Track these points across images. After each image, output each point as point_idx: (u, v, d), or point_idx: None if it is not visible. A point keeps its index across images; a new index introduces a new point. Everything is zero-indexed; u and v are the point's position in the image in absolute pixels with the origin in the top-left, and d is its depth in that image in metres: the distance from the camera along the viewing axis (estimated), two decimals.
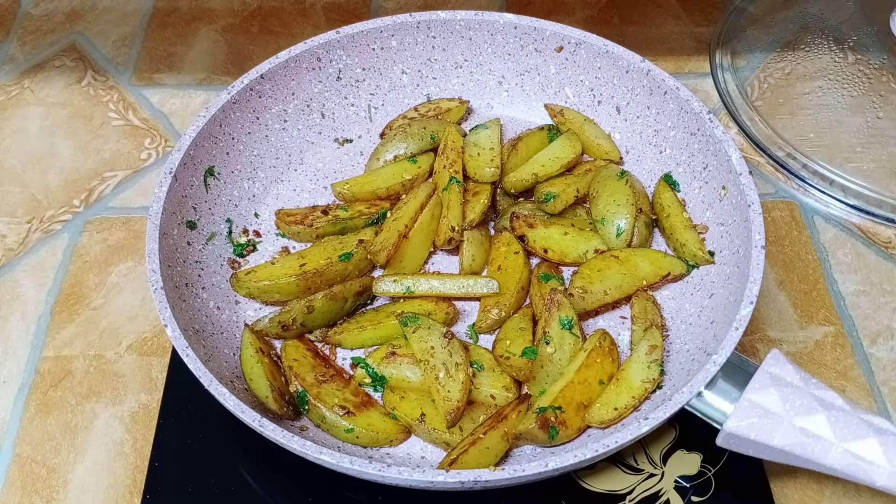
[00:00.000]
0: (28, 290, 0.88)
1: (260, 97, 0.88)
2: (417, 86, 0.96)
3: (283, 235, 0.87)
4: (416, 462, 0.73)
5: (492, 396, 0.74)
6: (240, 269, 0.84)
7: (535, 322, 0.79)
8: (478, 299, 0.82)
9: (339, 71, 0.93)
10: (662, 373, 0.74)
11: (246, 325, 0.79)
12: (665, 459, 0.75)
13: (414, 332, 0.76)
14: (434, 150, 0.91)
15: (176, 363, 0.82)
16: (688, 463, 0.75)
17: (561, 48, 0.92)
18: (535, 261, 0.85)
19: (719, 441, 0.67)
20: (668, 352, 0.78)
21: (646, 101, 0.89)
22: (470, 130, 0.92)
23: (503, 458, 0.72)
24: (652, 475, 0.75)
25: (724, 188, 0.81)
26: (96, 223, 0.94)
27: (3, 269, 0.90)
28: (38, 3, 1.16)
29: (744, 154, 0.80)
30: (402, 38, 0.93)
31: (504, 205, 0.88)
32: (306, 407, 0.74)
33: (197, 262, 0.81)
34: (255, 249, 0.87)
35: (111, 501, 0.75)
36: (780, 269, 0.90)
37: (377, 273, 0.84)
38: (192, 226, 0.82)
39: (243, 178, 0.88)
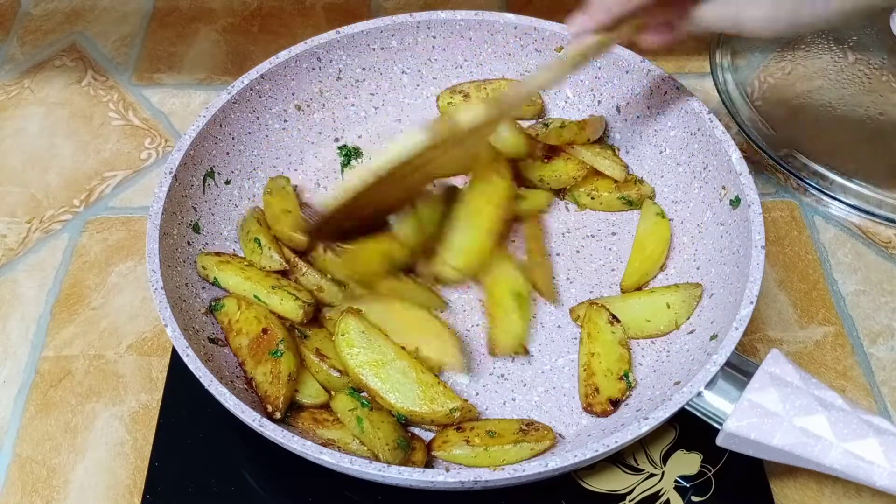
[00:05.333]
0: (28, 290, 0.88)
1: (260, 97, 0.88)
2: (417, 86, 0.96)
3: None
4: None
5: None
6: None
7: None
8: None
9: (339, 71, 0.93)
10: None
11: None
12: (665, 459, 0.75)
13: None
14: None
15: (176, 363, 0.82)
16: (688, 463, 0.75)
17: (561, 48, 0.92)
18: None
19: (719, 441, 0.67)
20: (668, 352, 0.78)
21: (646, 101, 0.89)
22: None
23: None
24: (652, 475, 0.75)
25: (724, 188, 0.81)
26: (96, 223, 0.94)
27: (3, 269, 0.90)
28: (38, 3, 1.16)
29: (744, 154, 0.80)
30: (402, 38, 0.93)
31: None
32: None
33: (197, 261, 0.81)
34: None
35: (111, 501, 0.75)
36: (780, 269, 0.90)
37: None
38: (192, 226, 0.82)
39: (243, 177, 0.88)
